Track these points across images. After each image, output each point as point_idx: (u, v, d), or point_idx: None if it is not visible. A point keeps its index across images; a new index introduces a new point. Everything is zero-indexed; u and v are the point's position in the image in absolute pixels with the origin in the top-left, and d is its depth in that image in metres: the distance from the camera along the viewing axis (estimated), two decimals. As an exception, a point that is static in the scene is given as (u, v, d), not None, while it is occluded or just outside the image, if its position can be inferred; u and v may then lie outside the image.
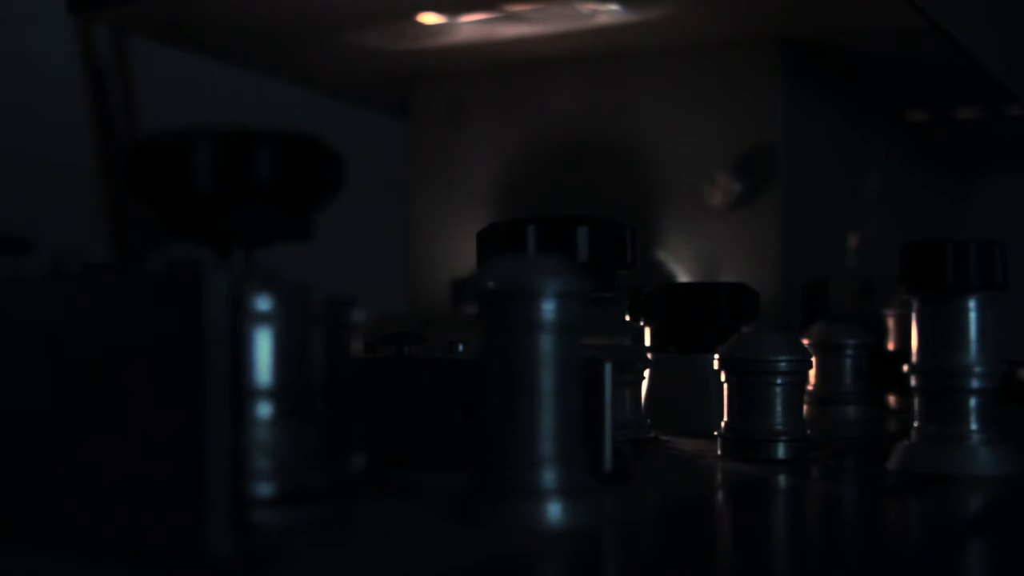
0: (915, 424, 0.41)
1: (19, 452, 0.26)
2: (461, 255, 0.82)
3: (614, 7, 0.70)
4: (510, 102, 0.83)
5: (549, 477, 0.29)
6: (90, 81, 1.05)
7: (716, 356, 0.44)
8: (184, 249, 0.26)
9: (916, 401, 0.41)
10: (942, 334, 0.40)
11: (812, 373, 0.60)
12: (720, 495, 0.38)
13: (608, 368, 0.35)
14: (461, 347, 0.40)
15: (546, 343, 0.29)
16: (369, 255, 1.09)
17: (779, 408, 0.42)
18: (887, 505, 0.37)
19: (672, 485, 0.39)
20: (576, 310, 0.29)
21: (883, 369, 0.63)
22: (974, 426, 0.40)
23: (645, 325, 0.54)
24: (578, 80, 0.80)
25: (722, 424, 0.44)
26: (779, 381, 0.42)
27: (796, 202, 0.75)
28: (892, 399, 0.66)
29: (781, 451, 0.42)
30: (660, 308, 0.53)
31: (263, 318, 0.25)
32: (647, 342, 0.54)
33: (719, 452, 0.43)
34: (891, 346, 0.68)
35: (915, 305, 0.41)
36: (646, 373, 0.50)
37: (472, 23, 0.74)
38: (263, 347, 0.26)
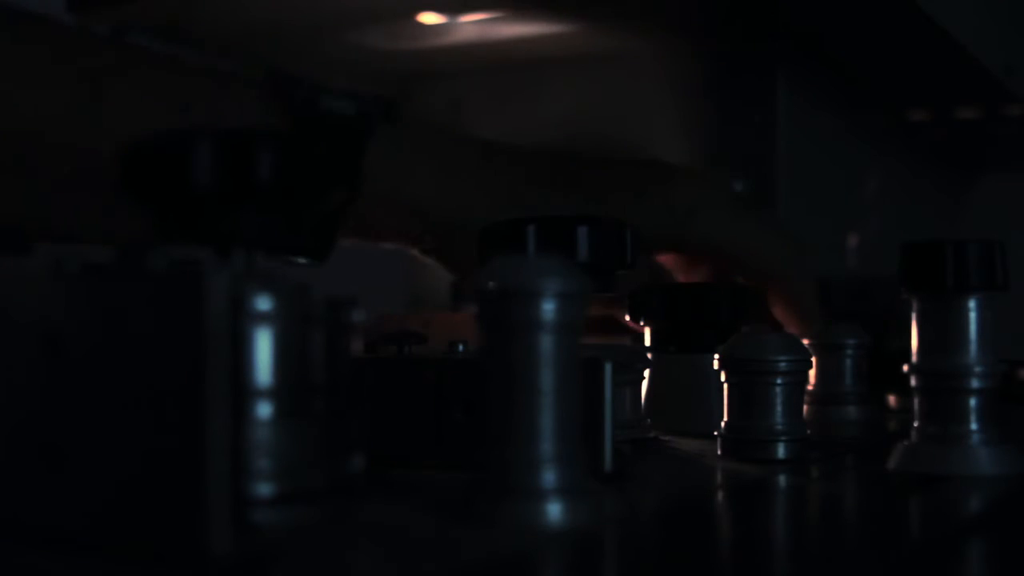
0: (915, 424, 0.41)
1: (18, 452, 0.26)
2: (461, 255, 0.82)
3: (613, 7, 0.70)
4: (510, 102, 0.83)
5: (549, 477, 0.29)
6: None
7: (716, 356, 0.44)
8: (184, 249, 0.26)
9: (916, 401, 0.41)
10: (942, 334, 0.40)
11: (812, 373, 0.60)
12: (720, 495, 0.38)
13: (608, 368, 0.35)
14: (461, 347, 0.40)
15: (546, 343, 0.29)
16: (369, 255, 1.09)
17: (779, 408, 0.42)
18: (887, 505, 0.37)
19: (672, 485, 0.39)
20: (576, 310, 0.29)
21: (883, 369, 0.63)
22: (974, 426, 0.40)
23: (645, 325, 0.54)
24: (578, 80, 0.80)
25: (722, 424, 0.44)
26: (779, 381, 0.42)
27: (796, 202, 0.75)
28: (892, 399, 0.66)
29: (781, 451, 0.42)
30: (660, 308, 0.53)
31: (263, 318, 0.25)
32: (647, 342, 0.54)
33: (719, 452, 0.43)
34: (891, 346, 0.68)
35: (915, 305, 0.41)
36: (646, 373, 0.50)
37: (472, 23, 0.74)
38: (263, 347, 0.26)
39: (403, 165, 0.55)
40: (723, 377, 0.43)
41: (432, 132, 0.58)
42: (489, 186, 0.58)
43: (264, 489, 0.25)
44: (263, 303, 0.25)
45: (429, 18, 0.73)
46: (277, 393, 0.26)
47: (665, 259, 0.63)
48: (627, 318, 0.54)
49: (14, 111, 0.48)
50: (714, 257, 0.61)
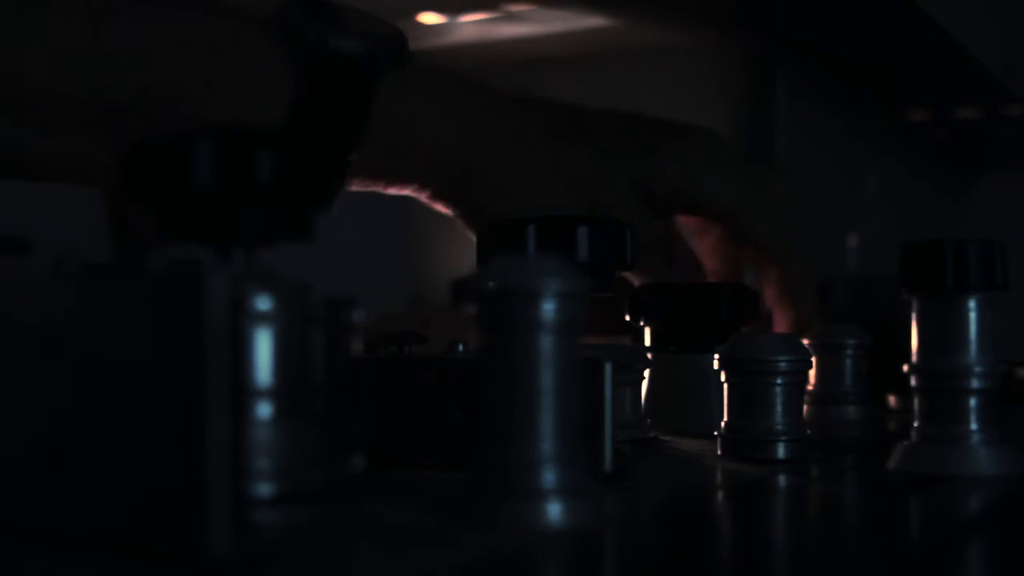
0: (915, 424, 0.41)
1: (19, 452, 0.26)
2: (461, 255, 0.82)
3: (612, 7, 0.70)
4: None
5: (549, 477, 0.29)
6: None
7: (716, 356, 0.44)
8: (184, 249, 0.26)
9: (916, 401, 0.41)
10: (942, 334, 0.40)
11: (812, 373, 0.60)
12: (720, 495, 0.38)
13: (608, 368, 0.35)
14: (461, 347, 0.40)
15: (546, 343, 0.29)
16: (369, 255, 1.09)
17: (779, 408, 0.42)
18: (887, 505, 0.37)
19: (672, 485, 0.39)
20: (576, 310, 0.29)
21: (883, 369, 0.63)
22: (974, 426, 0.40)
23: (645, 325, 0.54)
24: (578, 80, 0.80)
25: (722, 424, 0.44)
26: (779, 381, 0.42)
27: (796, 202, 0.75)
28: (892, 399, 0.66)
29: (781, 451, 0.42)
30: (660, 308, 0.53)
31: (263, 318, 0.25)
32: (647, 342, 0.54)
33: (719, 452, 0.43)
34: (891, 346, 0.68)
35: (915, 305, 0.41)
36: (646, 373, 0.50)
37: (472, 23, 0.74)
38: (263, 347, 0.26)
39: (410, 107, 0.55)
40: (723, 377, 0.43)
41: (443, 76, 0.57)
42: (499, 131, 0.58)
43: (264, 489, 0.25)
44: (263, 303, 0.25)
45: (429, 18, 0.73)
46: (277, 393, 0.26)
47: (683, 221, 0.63)
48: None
49: (9, 47, 0.47)
50: (723, 222, 0.61)
